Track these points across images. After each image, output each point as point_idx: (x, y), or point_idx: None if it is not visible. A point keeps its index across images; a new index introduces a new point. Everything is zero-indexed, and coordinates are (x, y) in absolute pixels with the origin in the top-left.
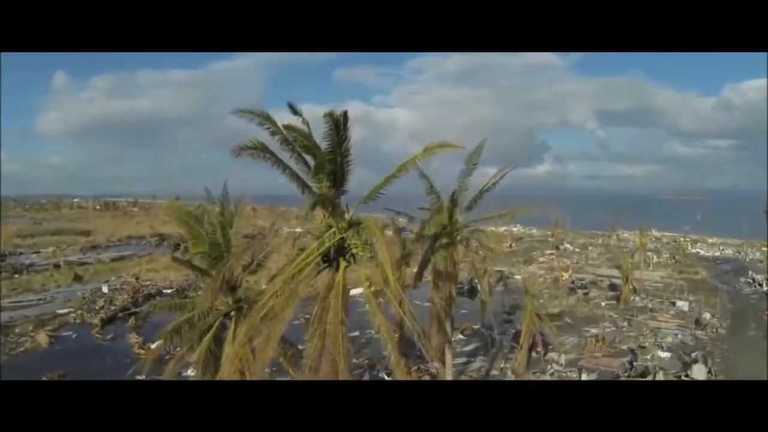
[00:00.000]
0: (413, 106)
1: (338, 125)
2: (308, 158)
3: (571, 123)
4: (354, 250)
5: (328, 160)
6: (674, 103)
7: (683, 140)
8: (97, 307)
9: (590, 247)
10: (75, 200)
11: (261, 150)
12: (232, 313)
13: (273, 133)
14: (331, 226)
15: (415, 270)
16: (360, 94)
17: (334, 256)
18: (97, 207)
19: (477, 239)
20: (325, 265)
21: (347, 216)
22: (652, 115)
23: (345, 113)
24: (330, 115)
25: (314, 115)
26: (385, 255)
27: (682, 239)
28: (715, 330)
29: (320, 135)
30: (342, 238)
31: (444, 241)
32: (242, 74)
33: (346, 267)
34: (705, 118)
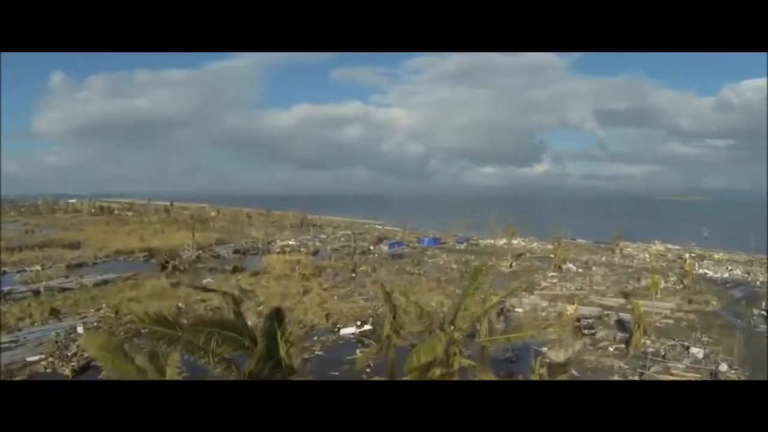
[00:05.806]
0: (411, 105)
1: None
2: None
3: (570, 123)
4: None
5: None
6: (673, 103)
7: (682, 140)
8: (69, 354)
9: (594, 267)
10: (72, 201)
11: None
12: None
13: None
14: None
15: None
16: (358, 93)
17: None
18: (93, 210)
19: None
20: None
21: None
22: (650, 115)
23: (277, 309)
24: None
25: (312, 116)
26: None
27: (688, 256)
28: None
29: (319, 139)
30: None
31: (438, 372)
32: (240, 74)
33: None
34: (704, 118)
